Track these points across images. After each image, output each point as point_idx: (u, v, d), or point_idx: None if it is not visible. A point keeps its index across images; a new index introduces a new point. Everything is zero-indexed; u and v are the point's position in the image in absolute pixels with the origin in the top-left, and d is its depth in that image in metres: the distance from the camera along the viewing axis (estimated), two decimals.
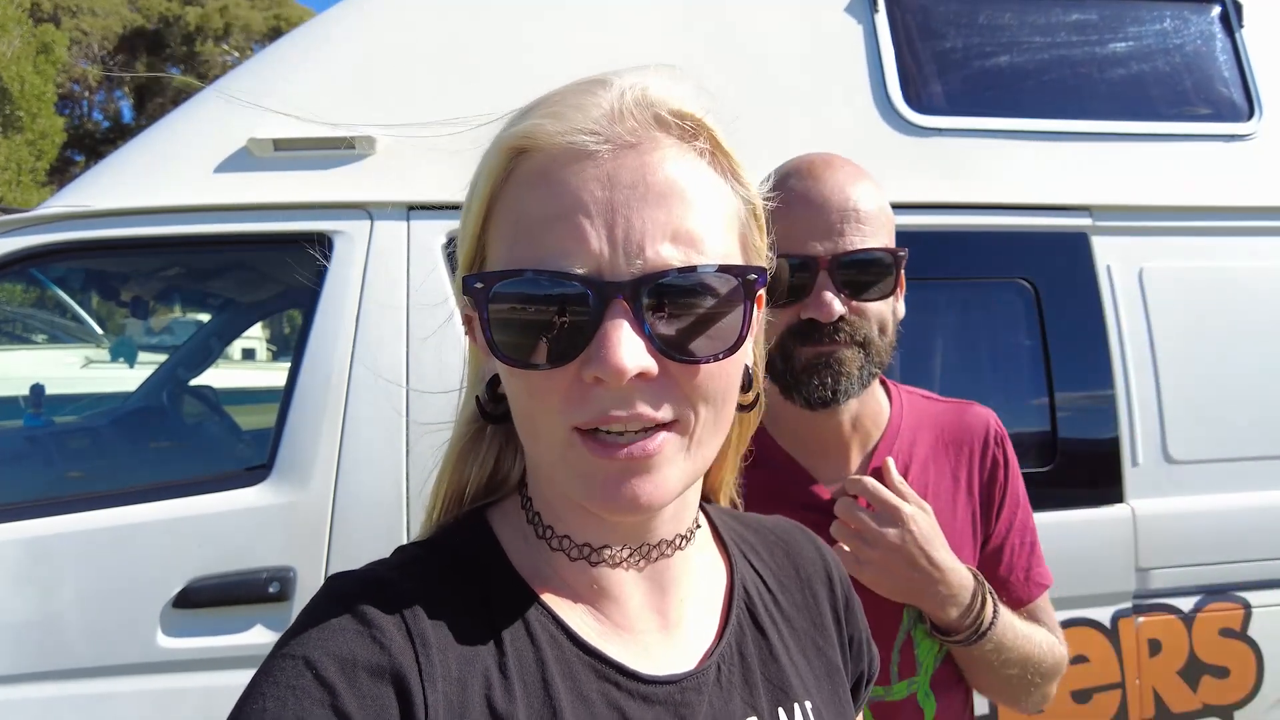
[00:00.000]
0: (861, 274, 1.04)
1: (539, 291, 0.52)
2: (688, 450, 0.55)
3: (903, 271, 1.08)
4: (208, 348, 3.46)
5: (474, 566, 0.60)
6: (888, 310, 1.08)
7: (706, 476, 0.70)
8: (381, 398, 1.74)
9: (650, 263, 0.51)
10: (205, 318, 3.69)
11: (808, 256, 1.02)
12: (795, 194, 1.04)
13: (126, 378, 4.04)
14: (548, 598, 0.59)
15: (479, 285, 0.53)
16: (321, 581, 0.59)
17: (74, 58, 23.39)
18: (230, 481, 1.76)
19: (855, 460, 1.13)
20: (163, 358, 3.70)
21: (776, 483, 1.08)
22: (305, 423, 1.74)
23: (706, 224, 0.53)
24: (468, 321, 0.62)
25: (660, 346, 0.51)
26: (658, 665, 0.60)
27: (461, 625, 0.56)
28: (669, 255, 0.51)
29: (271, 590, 1.66)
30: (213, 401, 3.08)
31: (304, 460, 1.72)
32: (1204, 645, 1.90)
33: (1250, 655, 1.92)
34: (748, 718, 0.62)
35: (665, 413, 0.53)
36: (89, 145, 23.82)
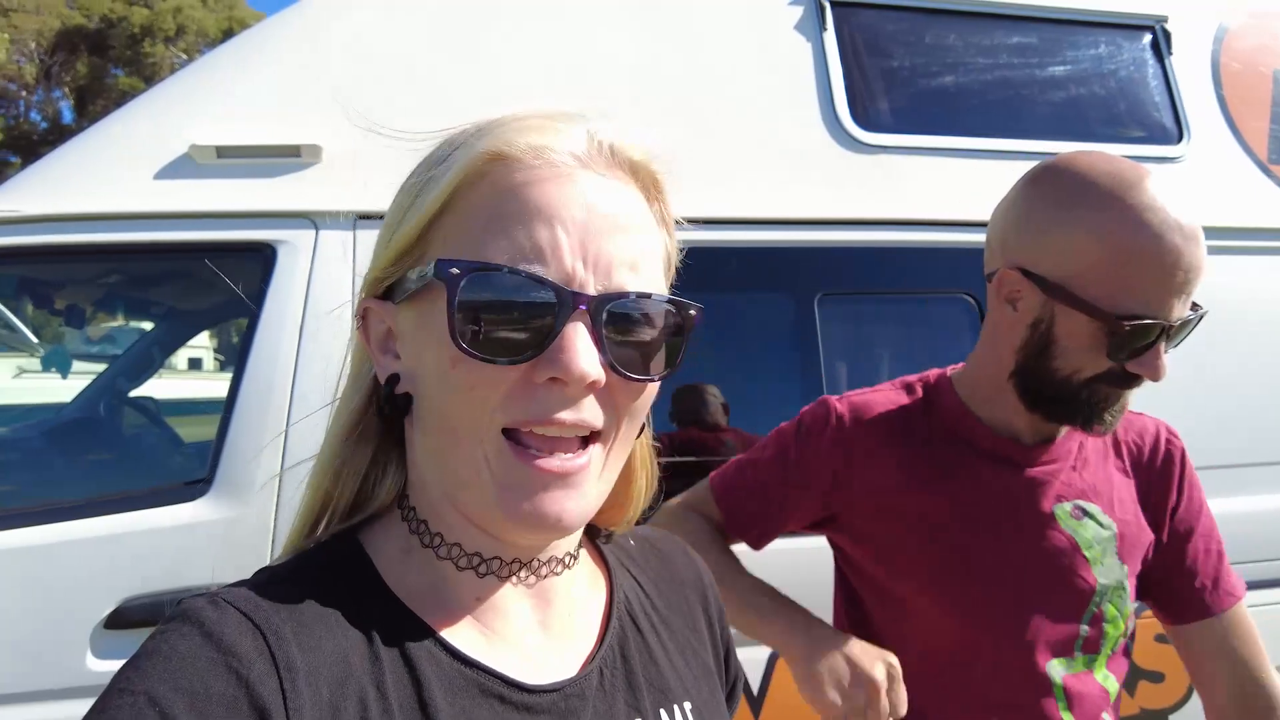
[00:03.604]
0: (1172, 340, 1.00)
1: (512, 289, 0.54)
2: (602, 468, 0.58)
3: None
4: (148, 358, 3.35)
5: (344, 585, 0.58)
6: None
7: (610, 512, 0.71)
8: (326, 410, 1.70)
9: (613, 285, 0.56)
10: (146, 327, 3.58)
11: (1158, 321, 0.96)
12: (1156, 242, 0.95)
13: (61, 388, 3.90)
14: (428, 614, 0.58)
15: (454, 271, 0.54)
16: None
17: (10, 55, 22.59)
18: (168, 496, 1.70)
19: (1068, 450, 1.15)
20: (100, 368, 3.57)
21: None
22: (247, 436, 1.69)
23: (654, 262, 0.60)
24: (362, 316, 0.62)
25: (611, 361, 0.55)
26: (542, 675, 0.60)
27: (331, 647, 0.53)
28: (628, 281, 0.56)
29: None
30: (153, 413, 2.98)
31: (245, 474, 1.67)
32: (1142, 652, 1.94)
33: None
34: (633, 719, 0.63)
35: (599, 424, 0.57)
36: (25, 146, 22.95)
